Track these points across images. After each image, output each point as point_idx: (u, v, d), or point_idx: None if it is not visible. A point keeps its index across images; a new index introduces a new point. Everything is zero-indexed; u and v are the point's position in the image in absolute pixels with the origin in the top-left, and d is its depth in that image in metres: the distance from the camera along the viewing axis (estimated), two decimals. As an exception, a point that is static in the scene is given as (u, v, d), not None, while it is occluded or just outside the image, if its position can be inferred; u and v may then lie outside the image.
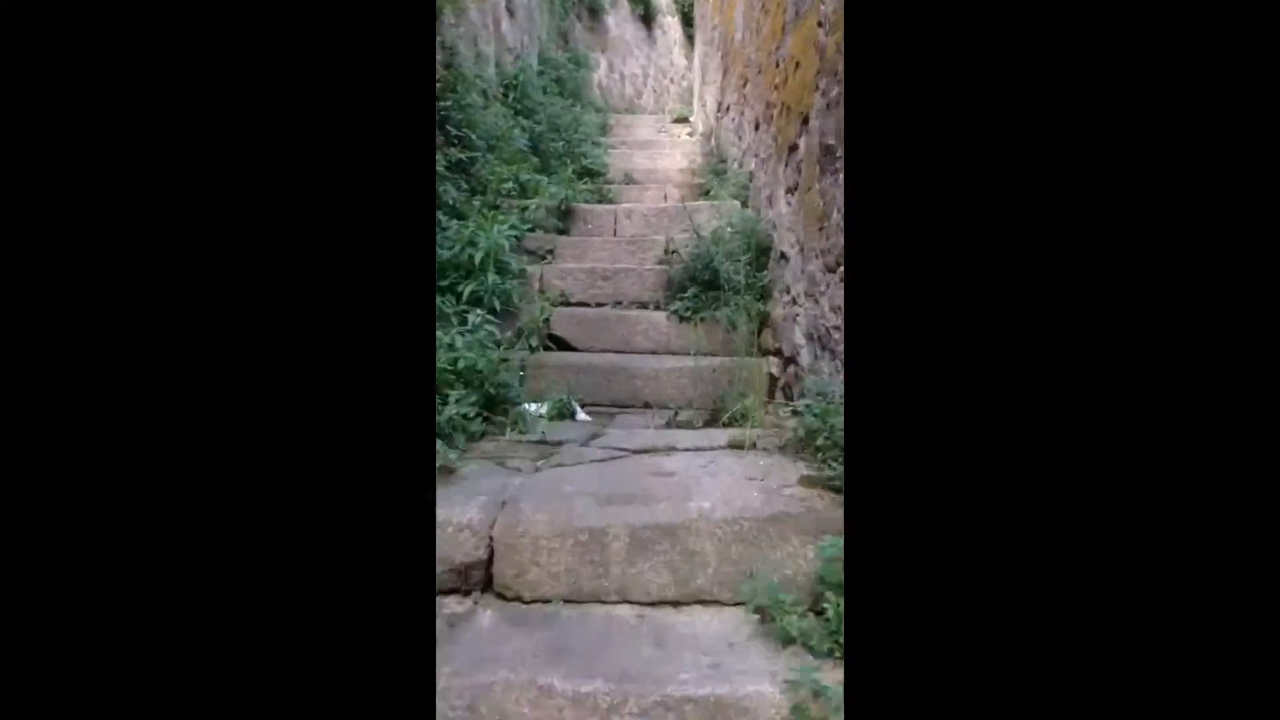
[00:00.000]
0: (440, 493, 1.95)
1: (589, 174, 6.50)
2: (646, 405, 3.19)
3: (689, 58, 14.96)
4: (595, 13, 11.58)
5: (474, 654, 1.59)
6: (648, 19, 13.19)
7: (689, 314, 3.58)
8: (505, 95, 6.22)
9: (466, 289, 3.39)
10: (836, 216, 2.46)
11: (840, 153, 2.44)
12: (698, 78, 9.26)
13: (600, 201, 6.15)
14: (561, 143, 6.42)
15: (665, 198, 6.37)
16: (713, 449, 2.37)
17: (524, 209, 4.56)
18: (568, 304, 3.97)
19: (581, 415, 2.99)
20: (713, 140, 6.89)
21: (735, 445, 2.38)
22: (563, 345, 3.66)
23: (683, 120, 10.29)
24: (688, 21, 14.64)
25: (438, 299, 3.34)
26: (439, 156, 4.37)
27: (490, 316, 3.40)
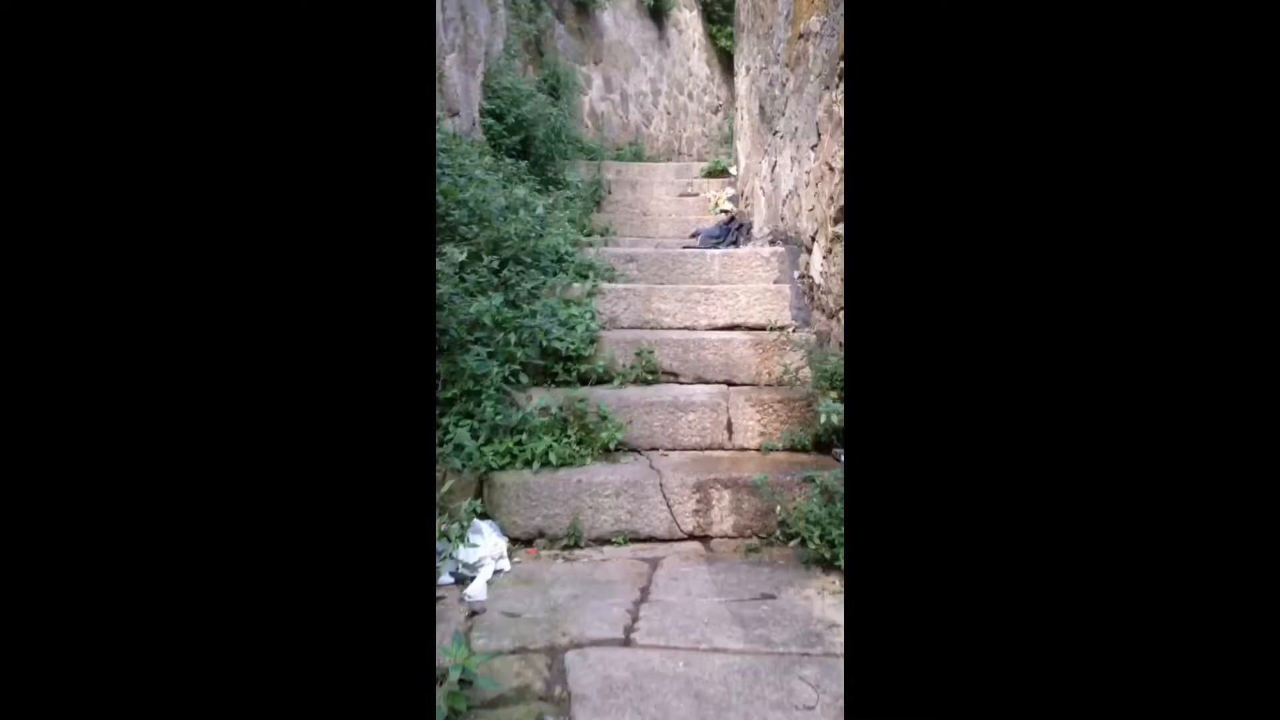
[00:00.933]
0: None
1: (556, 359, 2.97)
2: None
3: (713, 65, 11.43)
4: (584, 9, 8.02)
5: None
6: (658, 13, 9.63)
7: None
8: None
9: None
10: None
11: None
12: (746, 124, 5.64)
13: (569, 459, 2.62)
14: (507, 309, 2.88)
15: (739, 453, 2.81)
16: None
17: None
18: None
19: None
20: (811, 273, 3.32)
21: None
22: None
23: (719, 174, 6.74)
24: (711, 16, 11.08)
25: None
26: None
27: None
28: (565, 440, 2.61)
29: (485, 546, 2.10)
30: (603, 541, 2.39)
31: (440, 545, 2.03)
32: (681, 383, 3.06)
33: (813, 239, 3.33)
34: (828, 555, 2.13)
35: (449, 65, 4.40)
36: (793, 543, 2.26)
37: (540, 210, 3.58)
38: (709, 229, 5.28)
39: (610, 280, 3.63)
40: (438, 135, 3.61)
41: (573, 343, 2.97)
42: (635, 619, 1.86)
